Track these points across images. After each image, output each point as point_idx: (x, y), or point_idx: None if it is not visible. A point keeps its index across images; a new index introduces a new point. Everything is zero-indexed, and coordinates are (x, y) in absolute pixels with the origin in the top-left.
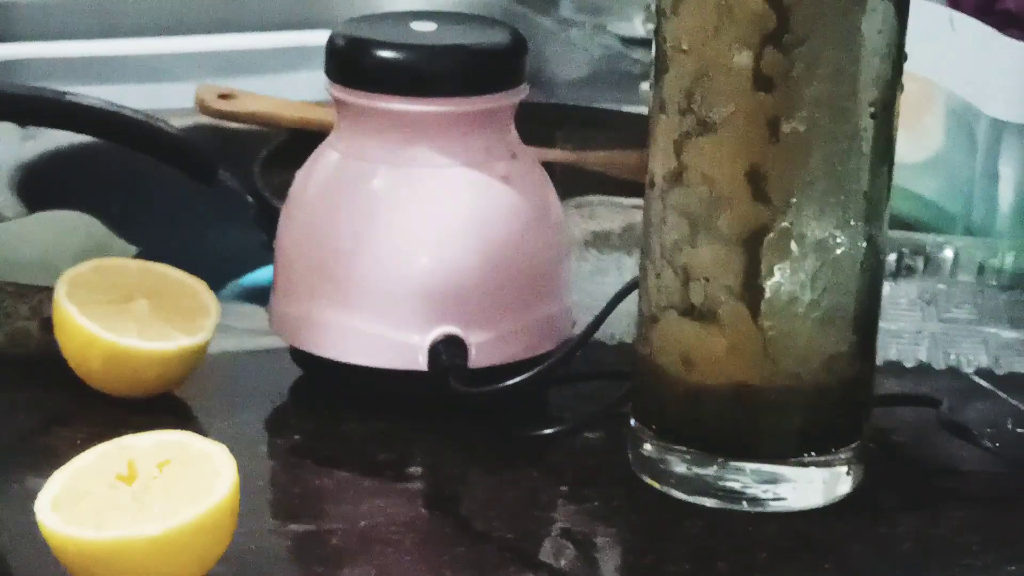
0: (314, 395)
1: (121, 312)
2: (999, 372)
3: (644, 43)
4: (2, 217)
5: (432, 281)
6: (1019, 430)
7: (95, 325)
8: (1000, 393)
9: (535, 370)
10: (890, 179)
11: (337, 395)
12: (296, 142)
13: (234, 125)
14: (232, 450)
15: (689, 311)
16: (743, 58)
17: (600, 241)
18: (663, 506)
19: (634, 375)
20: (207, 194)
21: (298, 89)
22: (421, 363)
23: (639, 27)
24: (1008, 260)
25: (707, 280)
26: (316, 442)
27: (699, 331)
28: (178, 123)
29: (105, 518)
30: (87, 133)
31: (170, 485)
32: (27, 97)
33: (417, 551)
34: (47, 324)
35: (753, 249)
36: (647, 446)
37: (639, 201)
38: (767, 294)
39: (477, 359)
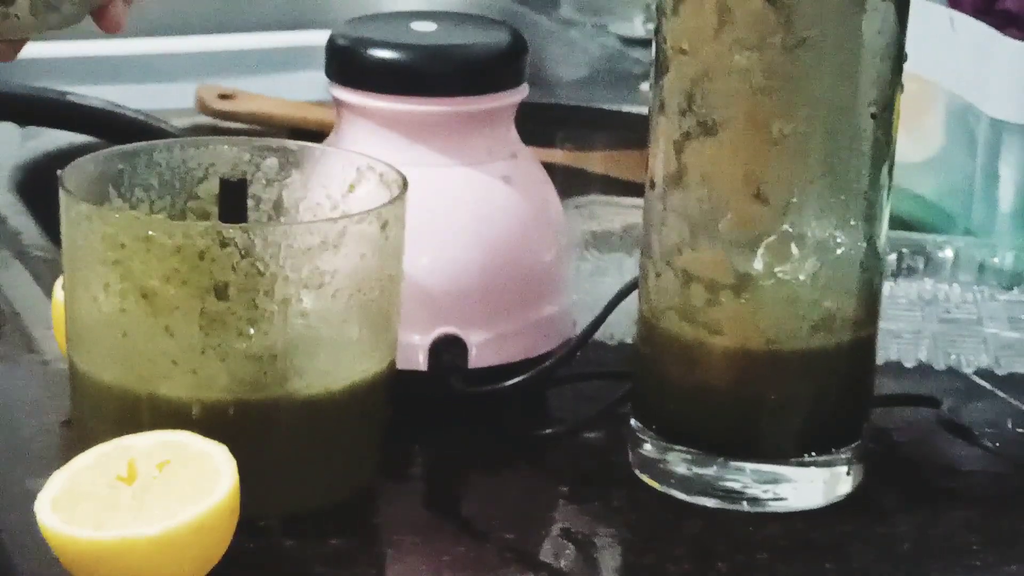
0: None
1: None
2: (999, 372)
3: (644, 43)
4: (2, 218)
5: (432, 281)
6: (1019, 430)
7: None
8: (1000, 393)
9: (535, 370)
10: (890, 179)
11: None
12: None
13: (234, 125)
14: None
15: (689, 312)
16: (743, 59)
17: (600, 241)
18: (663, 506)
19: (634, 375)
20: None
21: (298, 89)
22: (421, 363)
23: (639, 27)
24: (1008, 260)
25: (707, 281)
26: None
27: (699, 332)
28: (178, 123)
29: (105, 518)
30: (87, 133)
31: (170, 485)
32: (27, 97)
33: (417, 551)
34: None
35: (753, 250)
36: (647, 446)
37: (639, 201)
38: (767, 295)
39: (477, 359)
